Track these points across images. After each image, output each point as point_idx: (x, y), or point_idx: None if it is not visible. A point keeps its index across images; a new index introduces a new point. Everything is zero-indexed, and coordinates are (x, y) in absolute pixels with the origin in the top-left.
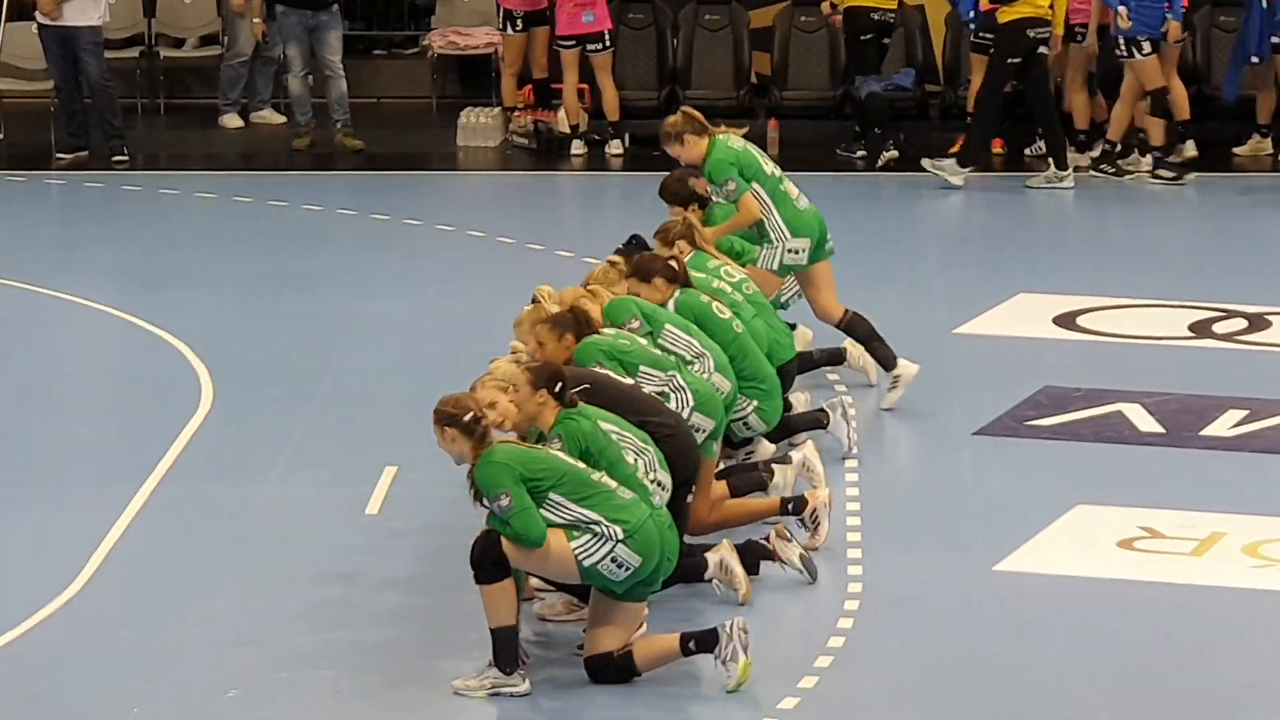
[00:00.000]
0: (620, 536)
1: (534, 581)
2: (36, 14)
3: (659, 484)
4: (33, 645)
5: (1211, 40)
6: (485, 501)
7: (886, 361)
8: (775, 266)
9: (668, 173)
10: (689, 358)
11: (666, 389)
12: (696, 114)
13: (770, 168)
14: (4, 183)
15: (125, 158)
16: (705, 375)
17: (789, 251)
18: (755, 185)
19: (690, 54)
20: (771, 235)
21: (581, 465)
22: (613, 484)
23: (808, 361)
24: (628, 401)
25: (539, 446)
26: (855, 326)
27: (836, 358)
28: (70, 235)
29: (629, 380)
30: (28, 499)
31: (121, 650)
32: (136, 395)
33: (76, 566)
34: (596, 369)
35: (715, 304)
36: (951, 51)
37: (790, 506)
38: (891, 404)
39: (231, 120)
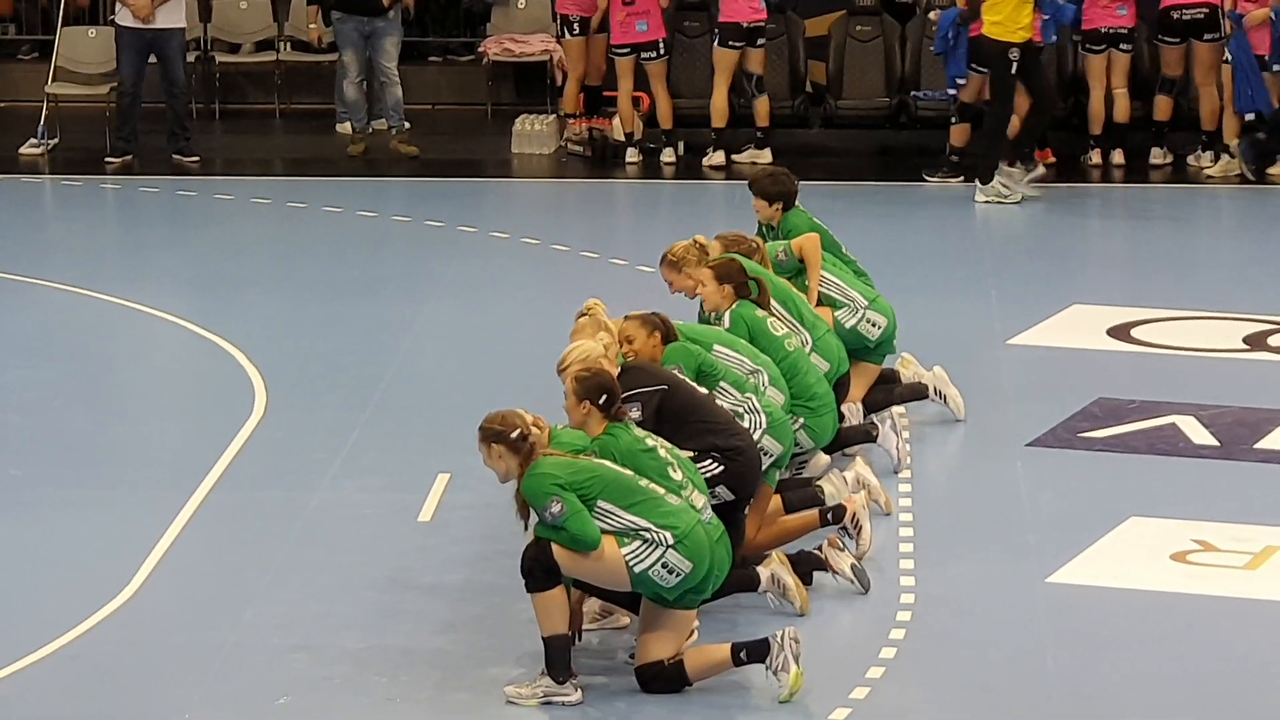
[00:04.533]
0: (670, 542)
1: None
2: (116, 17)
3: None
4: (87, 649)
5: None
6: (537, 513)
7: (918, 393)
8: (848, 327)
9: (722, 181)
10: (742, 375)
11: (741, 409)
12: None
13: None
14: (60, 187)
15: (197, 159)
16: (762, 390)
17: (868, 323)
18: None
19: None
20: (851, 303)
21: (628, 472)
22: (660, 490)
23: (887, 398)
24: (702, 410)
25: (582, 457)
26: (878, 403)
27: (919, 393)
28: (126, 240)
29: (704, 391)
30: (82, 503)
31: (174, 655)
32: (191, 400)
33: (130, 571)
34: (677, 371)
35: (771, 319)
36: None
37: (830, 516)
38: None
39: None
